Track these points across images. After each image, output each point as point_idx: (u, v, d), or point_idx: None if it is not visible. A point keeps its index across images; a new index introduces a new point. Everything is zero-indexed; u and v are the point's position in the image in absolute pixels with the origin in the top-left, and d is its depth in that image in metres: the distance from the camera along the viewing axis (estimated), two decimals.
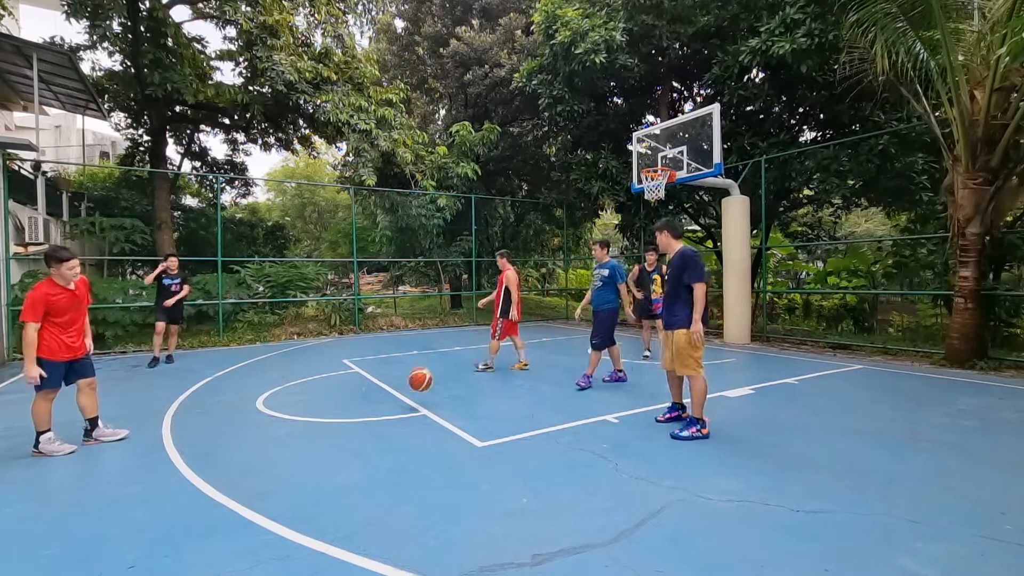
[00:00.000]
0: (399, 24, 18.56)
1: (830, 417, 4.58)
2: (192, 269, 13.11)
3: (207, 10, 12.05)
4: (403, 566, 2.27)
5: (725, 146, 9.86)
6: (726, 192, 9.66)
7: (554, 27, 10.92)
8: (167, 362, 7.73)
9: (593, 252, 6.17)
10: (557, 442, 3.92)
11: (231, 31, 12.19)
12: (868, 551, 2.37)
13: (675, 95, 13.32)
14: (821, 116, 10.72)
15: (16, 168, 9.77)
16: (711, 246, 14.33)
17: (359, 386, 6.03)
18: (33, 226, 9.16)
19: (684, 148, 9.30)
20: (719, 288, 11.82)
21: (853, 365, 7.18)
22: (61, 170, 14.68)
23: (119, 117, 13.90)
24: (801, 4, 8.42)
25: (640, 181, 9.66)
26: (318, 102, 11.26)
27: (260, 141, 15.03)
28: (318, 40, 12.35)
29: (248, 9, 10.59)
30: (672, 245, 4.23)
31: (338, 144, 14.32)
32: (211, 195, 15.99)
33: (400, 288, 17.13)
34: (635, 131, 10.69)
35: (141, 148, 14.23)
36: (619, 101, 13.48)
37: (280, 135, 14.84)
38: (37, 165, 10.24)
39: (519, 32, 15.12)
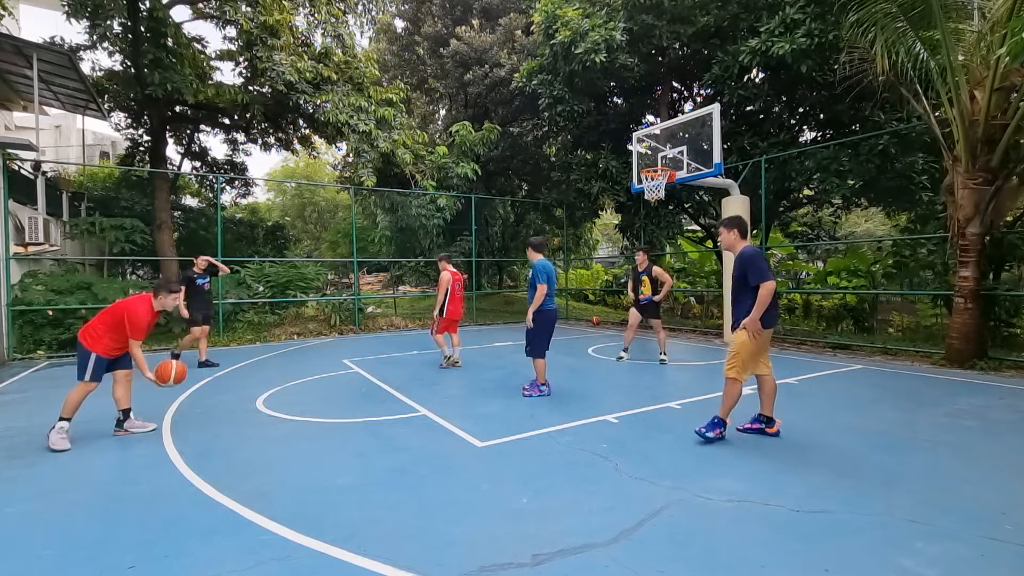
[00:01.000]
0: (399, 24, 18.58)
1: (830, 417, 4.58)
2: None
3: (207, 10, 12.05)
4: (403, 566, 2.27)
5: (725, 146, 9.86)
6: (726, 192, 9.66)
7: (554, 27, 10.93)
8: (205, 366, 7.33)
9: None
10: (557, 442, 3.92)
11: (231, 31, 12.19)
12: (868, 551, 2.37)
13: (675, 95, 13.33)
14: (821, 116, 10.72)
15: (16, 168, 9.77)
16: (711, 246, 14.34)
17: (359, 386, 6.03)
18: (33, 226, 9.17)
19: (684, 148, 9.31)
20: (719, 288, 11.82)
21: (853, 365, 7.18)
22: (61, 170, 14.69)
23: (119, 117, 13.91)
24: (801, 4, 8.42)
25: (640, 181, 9.66)
26: (318, 102, 11.26)
27: (260, 141, 15.03)
28: (318, 40, 12.35)
29: (248, 9, 10.58)
30: (736, 244, 4.01)
31: (338, 144, 14.32)
32: (211, 195, 16.00)
33: (400, 288, 17.13)
34: (635, 131, 10.69)
35: (141, 148, 14.24)
36: (619, 101, 13.48)
37: (280, 135, 14.84)
38: (37, 165, 10.24)
39: (519, 32, 15.13)
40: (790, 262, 16.07)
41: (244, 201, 19.53)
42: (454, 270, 7.17)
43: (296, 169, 30.47)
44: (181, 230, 14.52)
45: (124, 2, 9.53)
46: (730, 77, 9.83)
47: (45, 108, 13.52)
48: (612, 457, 3.57)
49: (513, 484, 3.15)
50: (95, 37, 10.50)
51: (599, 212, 15.55)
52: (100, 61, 35.73)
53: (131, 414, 4.29)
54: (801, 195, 11.87)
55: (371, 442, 4.01)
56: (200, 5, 12.07)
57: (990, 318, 8.19)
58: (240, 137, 15.29)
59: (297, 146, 15.60)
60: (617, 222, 15.05)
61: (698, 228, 15.08)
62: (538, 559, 2.31)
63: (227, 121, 14.07)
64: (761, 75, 10.36)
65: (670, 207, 12.52)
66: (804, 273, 16.50)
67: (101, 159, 20.17)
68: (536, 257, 5.45)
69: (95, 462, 3.66)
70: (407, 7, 17.67)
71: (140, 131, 14.08)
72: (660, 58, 11.64)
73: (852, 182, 9.22)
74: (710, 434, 3.87)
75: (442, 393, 5.63)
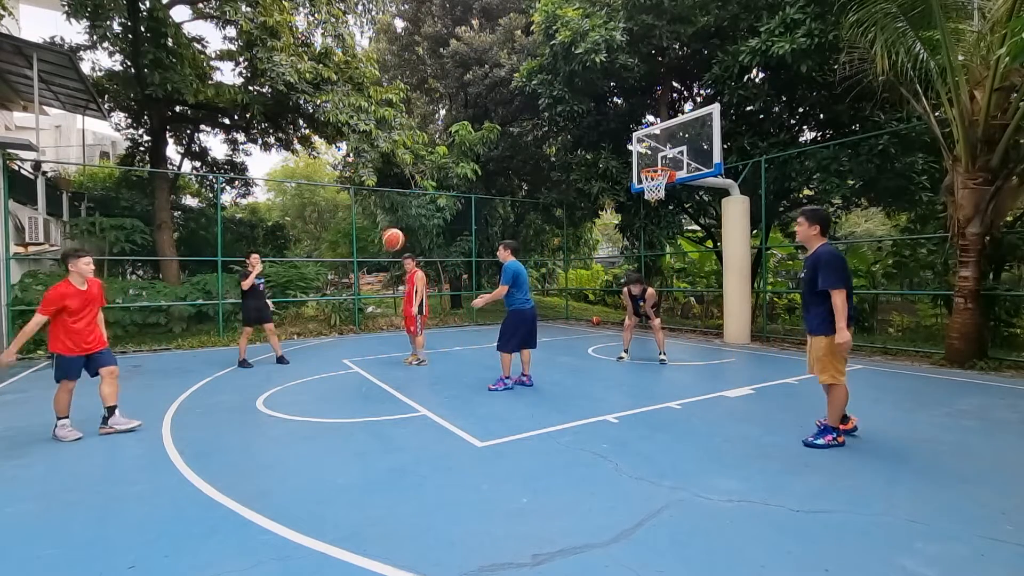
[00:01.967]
0: (399, 24, 18.58)
1: None
2: (192, 269, 13.16)
3: (207, 10, 12.06)
4: (403, 566, 2.27)
5: (725, 146, 9.87)
6: (726, 192, 9.66)
7: (554, 27, 10.93)
8: (282, 363, 7.41)
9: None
10: (557, 442, 3.92)
11: (231, 31, 12.21)
12: (868, 551, 2.37)
13: (675, 95, 13.33)
14: (821, 116, 10.72)
15: (16, 168, 9.77)
16: (711, 246, 14.34)
17: (359, 386, 6.03)
18: (33, 226, 9.17)
19: (684, 148, 9.31)
20: (719, 288, 11.82)
21: (853, 365, 7.17)
22: (61, 170, 14.69)
23: (119, 117, 13.91)
24: (801, 4, 8.42)
25: (640, 181, 9.66)
26: (318, 102, 11.27)
27: (260, 141, 15.04)
28: (318, 40, 12.35)
29: (248, 10, 10.59)
30: (814, 241, 3.78)
31: (338, 144, 14.33)
32: (211, 195, 15.99)
33: (400, 288, 17.12)
34: (635, 131, 10.69)
35: (141, 148, 14.24)
36: (619, 101, 13.48)
37: (280, 135, 14.84)
38: (37, 165, 10.25)
39: (519, 32, 15.12)
40: (790, 262, 16.08)
41: (244, 201, 19.55)
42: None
43: (296, 169, 30.46)
44: (181, 230, 14.51)
45: (124, 2, 9.54)
46: (730, 77, 9.83)
47: (45, 108, 13.52)
48: (612, 457, 3.57)
49: (513, 484, 3.15)
50: (95, 37, 10.51)
51: (599, 212, 15.56)
52: (100, 61, 35.82)
53: (116, 411, 4.34)
54: (801, 195, 11.86)
55: (371, 442, 4.01)
56: (200, 5, 12.08)
57: (990, 318, 8.19)
58: (240, 137, 15.29)
59: (297, 146, 15.61)
60: (617, 222, 15.05)
61: (698, 228, 15.08)
62: (538, 559, 2.31)
63: (227, 121, 14.07)
64: (761, 75, 10.35)
65: (670, 207, 12.52)
66: (804, 273, 16.47)
67: (101, 159, 20.18)
68: (508, 258, 5.68)
69: (95, 462, 3.66)
70: (407, 7, 17.66)
71: (140, 131, 14.09)
72: (660, 58, 11.64)
73: (852, 182, 9.22)
74: (820, 441, 3.73)
75: (442, 393, 5.63)
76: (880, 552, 2.36)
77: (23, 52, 9.31)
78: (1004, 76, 6.30)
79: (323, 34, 12.33)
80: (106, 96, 12.57)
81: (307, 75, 10.79)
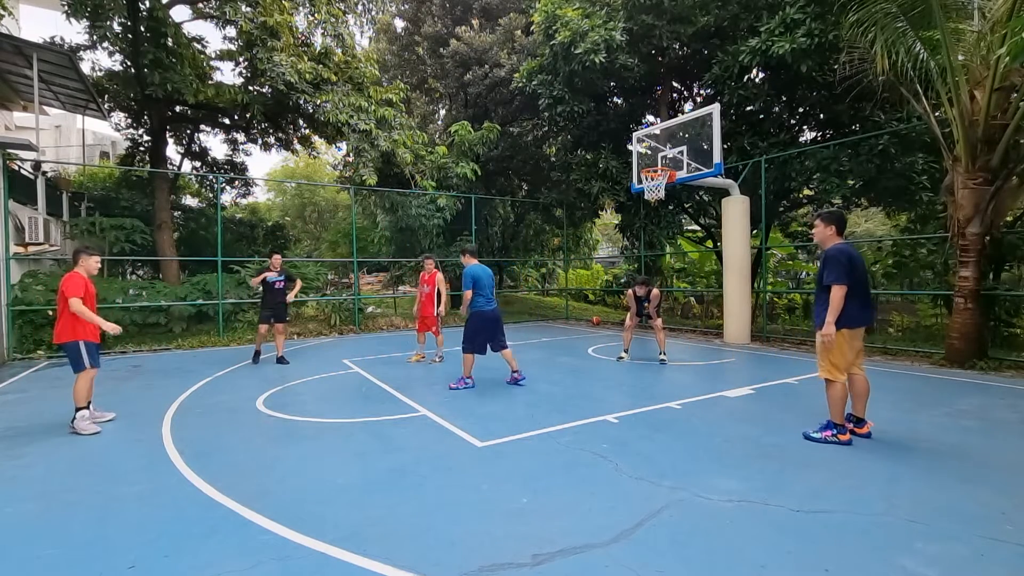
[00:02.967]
0: (399, 24, 18.58)
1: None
2: (192, 269, 13.15)
3: (207, 10, 12.05)
4: (403, 566, 2.27)
5: (725, 146, 9.87)
6: (726, 192, 9.66)
7: (554, 27, 10.93)
8: (280, 363, 7.45)
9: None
10: (557, 442, 3.92)
11: (231, 31, 12.19)
12: (868, 551, 2.37)
13: (675, 95, 13.32)
14: (821, 116, 10.72)
15: (16, 168, 9.77)
16: (711, 246, 14.33)
17: (359, 386, 6.03)
18: (33, 226, 9.16)
19: (684, 148, 9.31)
20: (719, 288, 11.82)
21: None
22: (61, 170, 14.68)
23: (119, 117, 13.89)
24: (801, 4, 8.42)
25: (640, 181, 9.66)
26: (318, 102, 11.26)
27: (260, 141, 15.02)
28: (318, 40, 12.35)
29: (248, 10, 10.58)
30: (827, 241, 3.92)
31: (338, 144, 14.31)
32: (211, 195, 15.98)
33: (400, 288, 17.12)
34: (635, 131, 10.69)
35: (141, 148, 14.23)
36: (619, 101, 13.48)
37: (280, 135, 14.83)
38: (37, 165, 10.24)
39: (519, 32, 15.12)
40: (790, 262, 16.08)
41: (244, 201, 19.52)
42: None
43: (296, 169, 30.46)
44: (181, 230, 14.50)
45: (124, 2, 9.53)
46: (730, 77, 9.83)
47: (45, 108, 13.51)
48: (612, 457, 3.57)
49: (513, 484, 3.15)
50: (95, 37, 10.49)
51: (599, 212, 15.56)
52: (100, 61, 35.75)
53: (91, 406, 4.44)
54: (801, 195, 11.87)
55: (371, 442, 4.01)
56: (200, 5, 12.07)
57: (990, 318, 8.19)
58: (240, 137, 15.28)
59: (297, 146, 15.59)
60: (617, 222, 15.05)
61: (698, 228, 15.07)
62: (538, 559, 2.31)
63: (227, 121, 14.06)
64: (761, 75, 10.35)
65: (670, 207, 12.52)
66: (804, 273, 16.51)
67: (101, 159, 20.17)
68: (469, 262, 5.83)
69: (95, 462, 3.66)
70: (407, 7, 17.66)
71: (140, 131, 14.07)
72: (660, 58, 11.64)
73: (852, 182, 9.22)
74: (816, 435, 3.85)
75: (442, 393, 5.63)
76: (880, 552, 2.36)
77: (23, 52, 9.30)
78: (1004, 76, 6.30)
79: (323, 34, 12.33)
80: (106, 96, 12.56)
81: (307, 75, 10.78)
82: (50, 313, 8.43)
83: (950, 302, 7.96)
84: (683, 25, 10.37)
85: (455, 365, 7.39)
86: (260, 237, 16.61)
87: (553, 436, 4.06)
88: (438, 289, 7.49)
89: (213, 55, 12.89)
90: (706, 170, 8.82)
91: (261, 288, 7.56)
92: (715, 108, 8.52)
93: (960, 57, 6.83)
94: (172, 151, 15.07)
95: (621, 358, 7.58)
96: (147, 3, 9.90)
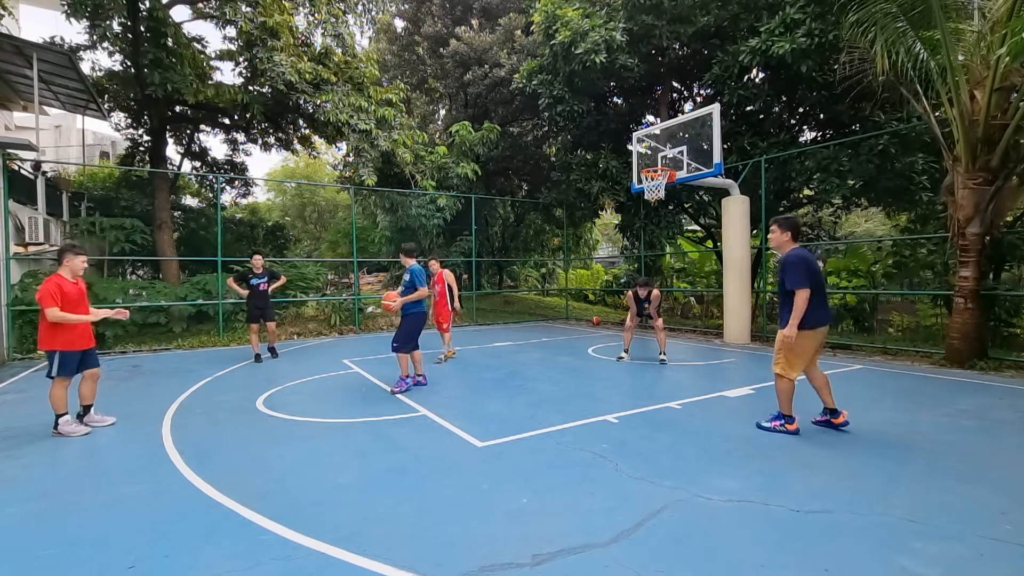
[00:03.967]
0: (399, 24, 18.58)
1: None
2: (192, 269, 13.15)
3: (207, 10, 12.05)
4: (403, 566, 2.27)
5: (725, 146, 9.87)
6: (726, 192, 9.66)
7: (554, 27, 10.93)
8: (271, 356, 7.70)
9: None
10: (557, 442, 3.92)
11: (231, 31, 12.19)
12: (868, 551, 2.37)
13: (675, 95, 13.32)
14: (821, 116, 10.72)
15: (16, 168, 9.76)
16: (711, 246, 14.33)
17: (359, 386, 6.03)
18: (33, 226, 9.16)
19: (684, 148, 9.31)
20: (719, 288, 11.82)
21: (853, 365, 7.17)
22: (61, 170, 14.68)
23: (119, 117, 13.89)
24: (801, 4, 8.42)
25: (640, 181, 9.66)
26: (318, 102, 11.26)
27: (260, 141, 15.02)
28: (318, 40, 12.35)
29: (248, 10, 10.58)
30: (784, 246, 4.08)
31: (338, 144, 14.31)
32: (211, 195, 15.98)
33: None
34: (635, 131, 10.69)
35: (141, 148, 14.23)
36: (619, 101, 13.49)
37: (280, 135, 14.83)
38: (37, 165, 10.24)
39: (519, 32, 15.13)
40: None
41: (244, 201, 19.52)
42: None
43: (296, 169, 30.47)
44: (181, 230, 14.50)
45: (124, 2, 9.53)
46: (730, 77, 9.83)
47: (45, 108, 13.51)
48: (612, 457, 3.57)
49: (513, 484, 3.15)
50: (95, 37, 10.50)
51: (599, 212, 15.57)
52: (100, 61, 35.79)
53: (91, 410, 4.47)
54: (801, 195, 11.86)
55: (371, 442, 4.01)
56: (200, 5, 12.07)
57: (990, 318, 8.19)
58: (240, 137, 15.27)
59: (297, 146, 15.59)
60: (617, 222, 15.06)
61: (698, 228, 15.07)
62: (538, 559, 2.31)
63: (227, 121, 14.05)
64: (761, 75, 10.35)
65: (670, 207, 12.52)
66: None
67: (101, 159, 20.18)
68: (410, 262, 5.80)
69: (95, 462, 3.66)
70: (407, 7, 17.67)
71: (140, 131, 14.07)
72: (660, 58, 11.64)
73: (852, 182, 9.22)
74: (766, 424, 4.11)
75: (442, 393, 5.63)
76: (880, 552, 2.36)
77: (23, 52, 9.30)
78: (1004, 76, 6.30)
79: (323, 34, 12.33)
80: (106, 96, 12.56)
81: (307, 75, 10.78)
82: None
83: (950, 302, 7.95)
84: (683, 25, 10.37)
85: (457, 364, 7.40)
86: (260, 237, 16.61)
87: (553, 436, 4.06)
88: (449, 285, 7.65)
89: (213, 55, 12.90)
90: (706, 170, 8.82)
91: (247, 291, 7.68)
92: (715, 108, 8.52)
93: (960, 57, 6.83)
94: (172, 151, 15.08)
95: (621, 358, 7.58)
96: (147, 3, 9.90)
